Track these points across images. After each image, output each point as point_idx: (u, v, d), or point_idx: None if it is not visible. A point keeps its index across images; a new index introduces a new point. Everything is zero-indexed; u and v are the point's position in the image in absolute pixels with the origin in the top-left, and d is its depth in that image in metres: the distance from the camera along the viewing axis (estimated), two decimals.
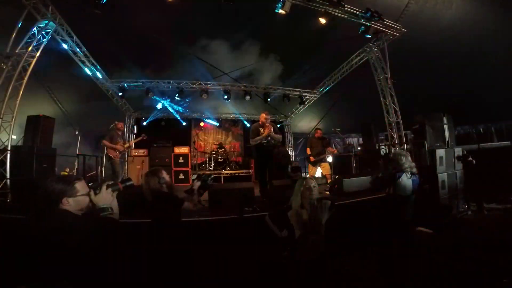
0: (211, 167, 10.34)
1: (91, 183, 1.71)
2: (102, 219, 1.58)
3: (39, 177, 4.99)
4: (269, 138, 4.95)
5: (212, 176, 3.02)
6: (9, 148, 5.34)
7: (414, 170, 3.36)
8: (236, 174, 10.21)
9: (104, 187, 1.66)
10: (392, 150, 7.12)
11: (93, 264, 1.43)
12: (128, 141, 6.48)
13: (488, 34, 6.73)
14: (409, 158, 3.42)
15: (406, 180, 3.26)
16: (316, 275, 2.58)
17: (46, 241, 1.39)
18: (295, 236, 2.58)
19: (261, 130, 5.00)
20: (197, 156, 11.12)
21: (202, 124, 11.89)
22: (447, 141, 5.82)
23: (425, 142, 5.71)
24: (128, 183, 1.82)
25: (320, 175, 7.26)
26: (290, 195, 2.87)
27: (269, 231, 2.75)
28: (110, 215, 1.61)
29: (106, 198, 1.64)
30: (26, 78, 5.57)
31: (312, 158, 6.97)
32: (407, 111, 7.50)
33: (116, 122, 6.36)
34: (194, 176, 9.25)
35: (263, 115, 5.09)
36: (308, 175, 7.48)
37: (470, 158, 5.50)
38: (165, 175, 2.66)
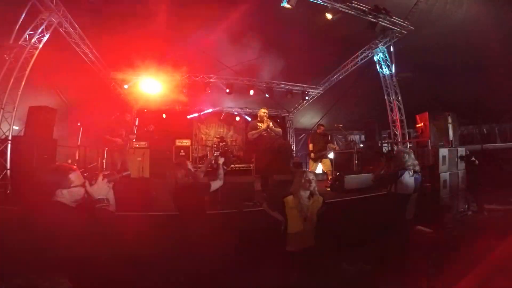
0: (212, 161, 10.31)
1: (87, 174, 1.67)
2: (97, 211, 1.53)
3: (39, 168, 4.98)
4: (268, 130, 4.97)
5: (234, 153, 3.19)
6: (10, 139, 5.35)
7: (417, 168, 3.32)
8: (237, 168, 10.19)
9: (100, 178, 1.61)
10: (395, 148, 7.07)
11: (88, 257, 1.41)
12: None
13: (497, 34, 6.60)
14: (412, 156, 3.38)
15: (408, 178, 3.23)
16: (306, 266, 2.67)
17: (39, 233, 1.36)
18: (287, 224, 2.72)
19: (259, 125, 5.04)
20: (198, 149, 11.10)
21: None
22: (451, 141, 5.77)
23: (429, 140, 5.67)
24: (124, 173, 1.80)
25: (320, 171, 7.24)
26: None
27: (269, 219, 2.91)
28: (106, 207, 1.57)
29: (102, 189, 1.60)
30: (28, 70, 5.54)
31: (313, 155, 6.93)
32: (412, 109, 7.42)
33: (119, 114, 6.26)
34: (217, 153, 9.36)
35: (261, 110, 5.18)
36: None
37: (473, 158, 5.45)
38: (190, 166, 2.81)
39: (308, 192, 2.75)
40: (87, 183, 1.57)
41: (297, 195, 2.73)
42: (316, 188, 2.81)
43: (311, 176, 2.79)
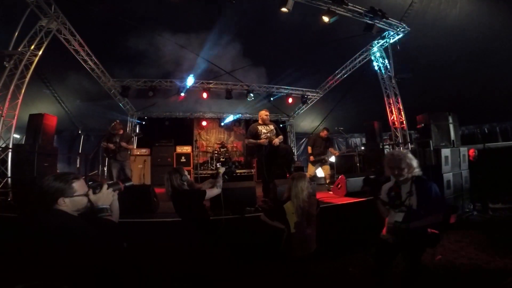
0: (213, 166, 10.30)
1: (91, 182, 1.62)
2: (99, 220, 1.49)
3: (40, 176, 4.96)
4: (269, 141, 4.77)
5: (236, 164, 3.18)
6: (10, 147, 5.34)
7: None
8: (238, 174, 10.15)
9: (105, 187, 1.58)
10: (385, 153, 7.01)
11: (88, 266, 1.38)
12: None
13: (493, 33, 6.64)
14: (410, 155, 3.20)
15: None
16: (311, 270, 2.66)
17: (38, 240, 1.34)
18: (290, 230, 2.67)
19: (259, 128, 4.89)
20: (199, 155, 11.07)
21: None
22: (453, 141, 5.74)
23: (430, 141, 5.64)
24: (127, 184, 1.76)
25: (322, 175, 7.18)
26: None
27: (267, 228, 2.87)
28: (108, 217, 1.54)
29: (106, 198, 1.57)
30: (28, 77, 5.54)
31: (312, 158, 6.85)
32: (412, 110, 7.42)
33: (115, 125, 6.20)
34: (219, 164, 9.32)
35: (264, 112, 5.00)
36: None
37: None
38: (186, 173, 2.85)
39: (306, 194, 2.73)
40: (90, 191, 1.53)
41: (295, 197, 2.71)
42: (311, 191, 2.82)
43: (307, 180, 2.79)
